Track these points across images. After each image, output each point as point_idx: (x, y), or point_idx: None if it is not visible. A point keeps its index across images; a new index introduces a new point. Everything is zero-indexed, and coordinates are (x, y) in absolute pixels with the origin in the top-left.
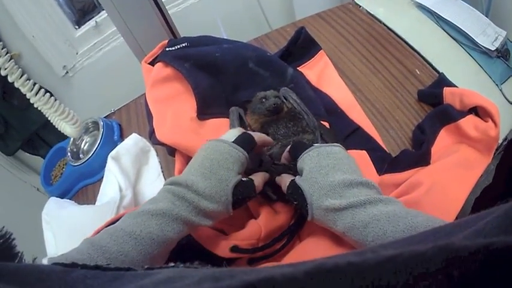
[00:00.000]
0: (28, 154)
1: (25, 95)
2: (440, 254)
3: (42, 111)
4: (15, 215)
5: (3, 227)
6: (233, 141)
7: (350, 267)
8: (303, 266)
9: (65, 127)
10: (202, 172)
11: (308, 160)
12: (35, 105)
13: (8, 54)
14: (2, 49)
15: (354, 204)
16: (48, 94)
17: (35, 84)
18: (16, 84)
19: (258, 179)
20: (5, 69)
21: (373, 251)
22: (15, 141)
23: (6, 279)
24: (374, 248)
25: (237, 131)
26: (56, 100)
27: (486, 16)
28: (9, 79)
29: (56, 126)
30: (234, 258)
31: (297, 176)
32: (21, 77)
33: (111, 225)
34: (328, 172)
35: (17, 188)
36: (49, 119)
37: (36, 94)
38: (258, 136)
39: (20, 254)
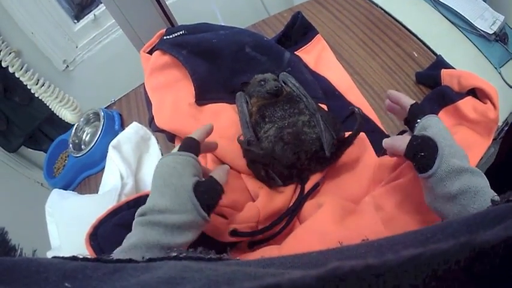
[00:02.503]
0: (31, 150)
1: (26, 87)
2: (463, 251)
3: (43, 99)
4: (19, 211)
5: None
6: (177, 150)
7: (369, 270)
8: (314, 268)
9: (66, 114)
10: (159, 190)
11: (434, 121)
12: (36, 95)
13: (9, 47)
14: (3, 43)
15: (472, 170)
16: (48, 82)
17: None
18: (17, 74)
19: (218, 172)
20: (6, 61)
21: (392, 249)
22: (17, 138)
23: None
24: (391, 244)
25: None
26: (55, 87)
27: (484, 1)
28: (10, 70)
29: (57, 114)
30: (235, 241)
31: (421, 132)
32: (21, 69)
33: None
34: (451, 138)
35: (21, 184)
36: (50, 107)
37: (36, 83)
38: (196, 132)
39: (17, 247)
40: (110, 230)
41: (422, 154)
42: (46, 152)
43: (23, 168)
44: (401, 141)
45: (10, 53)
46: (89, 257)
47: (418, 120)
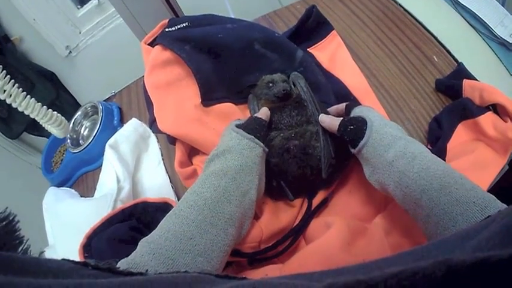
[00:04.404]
0: (32, 136)
1: (28, 74)
2: (440, 269)
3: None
4: (20, 198)
5: (6, 208)
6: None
7: (358, 284)
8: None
9: (51, 129)
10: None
11: (365, 107)
12: (19, 109)
13: None
14: None
15: (407, 139)
16: (28, 97)
17: (17, 88)
18: None
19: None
20: None
21: (379, 268)
22: (19, 125)
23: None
24: (380, 263)
25: None
26: (37, 103)
27: (502, 6)
28: None
29: (44, 126)
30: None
31: None
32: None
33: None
34: (383, 117)
35: (23, 170)
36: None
37: (16, 99)
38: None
39: (24, 239)
40: (103, 243)
41: (352, 127)
42: (48, 138)
43: (24, 154)
44: (337, 120)
45: None
46: (100, 265)
47: (352, 111)
